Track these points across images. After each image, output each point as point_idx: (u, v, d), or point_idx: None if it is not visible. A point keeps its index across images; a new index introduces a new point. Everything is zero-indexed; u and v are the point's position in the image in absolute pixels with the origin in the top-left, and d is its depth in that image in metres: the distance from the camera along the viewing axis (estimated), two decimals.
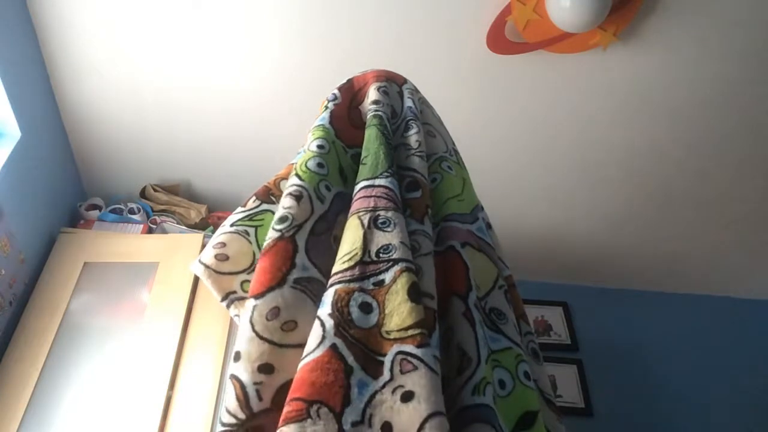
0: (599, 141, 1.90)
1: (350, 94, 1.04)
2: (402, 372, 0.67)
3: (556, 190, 2.07)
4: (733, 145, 1.88)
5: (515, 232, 2.17)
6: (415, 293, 0.73)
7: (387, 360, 0.69)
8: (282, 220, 0.83)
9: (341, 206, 0.90)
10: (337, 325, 0.70)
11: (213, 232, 1.90)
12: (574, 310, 2.34)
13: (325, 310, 0.72)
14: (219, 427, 0.70)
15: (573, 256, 2.31)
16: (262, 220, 0.97)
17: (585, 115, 1.82)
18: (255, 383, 0.70)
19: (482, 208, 1.01)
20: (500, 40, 1.62)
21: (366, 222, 0.81)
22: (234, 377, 0.71)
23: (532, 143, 1.92)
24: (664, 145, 1.89)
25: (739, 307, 2.39)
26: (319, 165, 0.91)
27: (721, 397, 2.12)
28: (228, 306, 0.89)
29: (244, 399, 0.70)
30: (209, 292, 0.93)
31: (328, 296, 0.74)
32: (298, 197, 0.85)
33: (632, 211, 2.12)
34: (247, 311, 0.75)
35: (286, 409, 0.65)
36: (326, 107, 1.01)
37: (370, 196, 0.84)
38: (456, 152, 1.07)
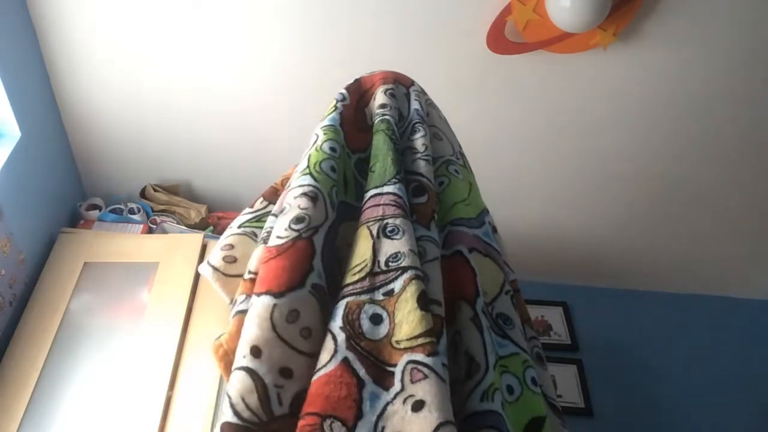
0: (599, 141, 1.90)
1: (358, 95, 1.03)
2: (412, 381, 0.68)
3: (557, 190, 2.07)
4: (734, 145, 1.88)
5: (516, 232, 2.17)
6: (424, 301, 0.73)
7: (398, 370, 0.69)
8: (299, 220, 0.80)
9: (343, 216, 0.89)
10: (348, 339, 0.70)
11: (213, 232, 1.90)
12: (574, 310, 2.34)
13: (336, 323, 0.72)
14: (233, 419, 0.67)
15: (573, 256, 2.31)
16: (268, 220, 0.96)
17: (585, 115, 1.82)
18: (276, 386, 0.69)
19: (488, 212, 1.00)
20: (500, 40, 1.62)
21: (375, 232, 0.80)
22: (255, 374, 0.68)
23: (532, 143, 1.92)
24: (664, 145, 1.89)
25: (739, 307, 2.39)
26: (332, 169, 0.89)
27: (721, 396, 2.12)
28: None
29: (266, 401, 0.68)
30: (209, 292, 0.92)
31: (339, 309, 0.74)
32: (314, 198, 0.83)
33: (633, 211, 2.12)
34: (262, 307, 0.72)
35: (300, 423, 0.65)
36: (335, 107, 0.99)
37: (379, 205, 0.84)
38: (462, 155, 1.06)
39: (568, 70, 1.70)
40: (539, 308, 2.32)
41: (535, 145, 1.93)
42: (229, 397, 0.68)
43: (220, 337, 0.80)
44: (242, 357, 0.70)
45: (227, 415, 0.68)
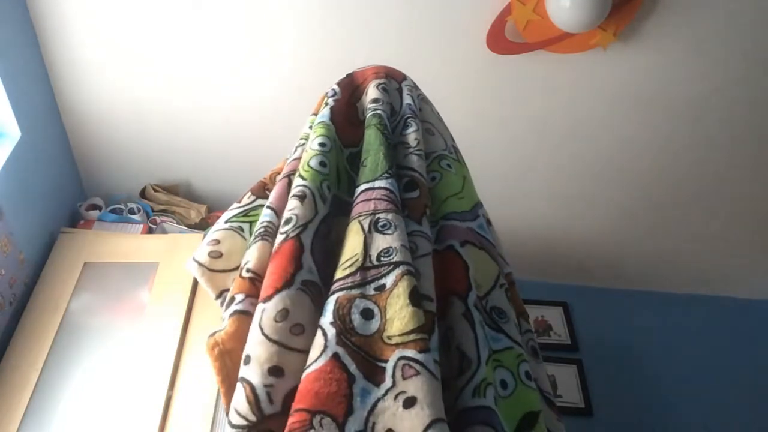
0: (599, 141, 1.90)
1: (350, 90, 1.03)
2: (404, 377, 0.67)
3: (556, 189, 2.07)
4: (733, 145, 1.88)
5: (515, 231, 2.17)
6: (416, 297, 0.73)
7: (389, 366, 0.69)
8: (286, 222, 0.81)
9: (337, 209, 0.89)
10: (338, 334, 0.70)
11: None
12: (574, 310, 2.33)
13: (326, 318, 0.72)
14: (228, 429, 0.69)
15: (573, 256, 2.31)
16: (257, 215, 0.96)
17: (585, 115, 1.82)
18: (265, 385, 0.69)
19: (482, 205, 1.00)
20: (500, 40, 1.62)
21: (366, 226, 0.80)
22: (244, 380, 0.70)
23: (532, 143, 1.92)
24: (664, 144, 1.89)
25: (739, 307, 2.39)
26: (322, 164, 0.89)
27: (721, 397, 2.12)
28: (223, 304, 0.88)
29: (254, 401, 0.68)
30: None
31: (330, 304, 0.73)
32: (301, 197, 0.84)
33: (632, 210, 2.12)
34: (256, 316, 0.74)
35: (290, 420, 0.65)
36: (326, 103, 1.00)
37: (370, 199, 0.83)
38: (456, 149, 1.06)
39: (568, 70, 1.70)
40: (539, 308, 2.32)
41: (535, 145, 1.93)
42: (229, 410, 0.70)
43: (215, 333, 0.79)
44: (240, 369, 0.72)
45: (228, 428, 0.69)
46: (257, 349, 0.71)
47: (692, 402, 2.10)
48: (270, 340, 0.71)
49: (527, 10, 1.54)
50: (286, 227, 0.81)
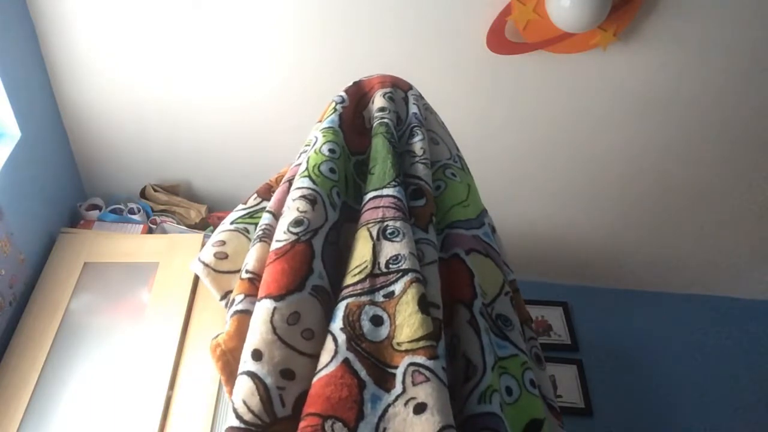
0: (599, 141, 1.90)
1: (357, 98, 1.03)
2: (414, 384, 0.68)
3: (556, 190, 2.07)
4: (733, 145, 1.88)
5: (516, 232, 2.17)
6: (424, 304, 0.73)
7: (399, 372, 0.69)
8: (297, 223, 0.81)
9: (346, 216, 0.89)
10: (349, 340, 0.70)
11: (213, 232, 1.90)
12: (574, 310, 2.33)
13: (336, 324, 0.72)
14: (235, 422, 0.68)
15: (573, 256, 2.31)
16: (262, 217, 0.96)
17: (585, 115, 1.82)
18: (278, 388, 0.69)
19: (487, 213, 1.00)
20: (500, 40, 1.62)
21: (375, 234, 0.80)
22: (255, 377, 0.69)
23: (531, 143, 1.92)
24: (664, 144, 1.89)
25: (739, 307, 2.39)
26: (332, 170, 0.89)
27: (721, 397, 2.12)
28: (227, 305, 0.88)
29: (268, 402, 0.68)
30: (209, 291, 0.92)
31: (340, 310, 0.74)
32: (312, 201, 0.83)
33: (632, 211, 2.12)
34: (263, 311, 0.73)
35: (301, 424, 0.65)
36: (335, 109, 0.99)
37: (379, 207, 0.84)
38: (460, 158, 1.06)
39: (568, 70, 1.70)
40: (539, 308, 2.32)
41: (535, 145, 1.93)
42: (233, 402, 0.69)
43: (217, 336, 0.80)
44: (244, 362, 0.71)
45: (230, 420, 0.68)
46: (270, 348, 0.71)
47: (692, 402, 2.10)
48: (283, 342, 0.71)
49: (527, 10, 1.54)
50: (297, 229, 0.80)
